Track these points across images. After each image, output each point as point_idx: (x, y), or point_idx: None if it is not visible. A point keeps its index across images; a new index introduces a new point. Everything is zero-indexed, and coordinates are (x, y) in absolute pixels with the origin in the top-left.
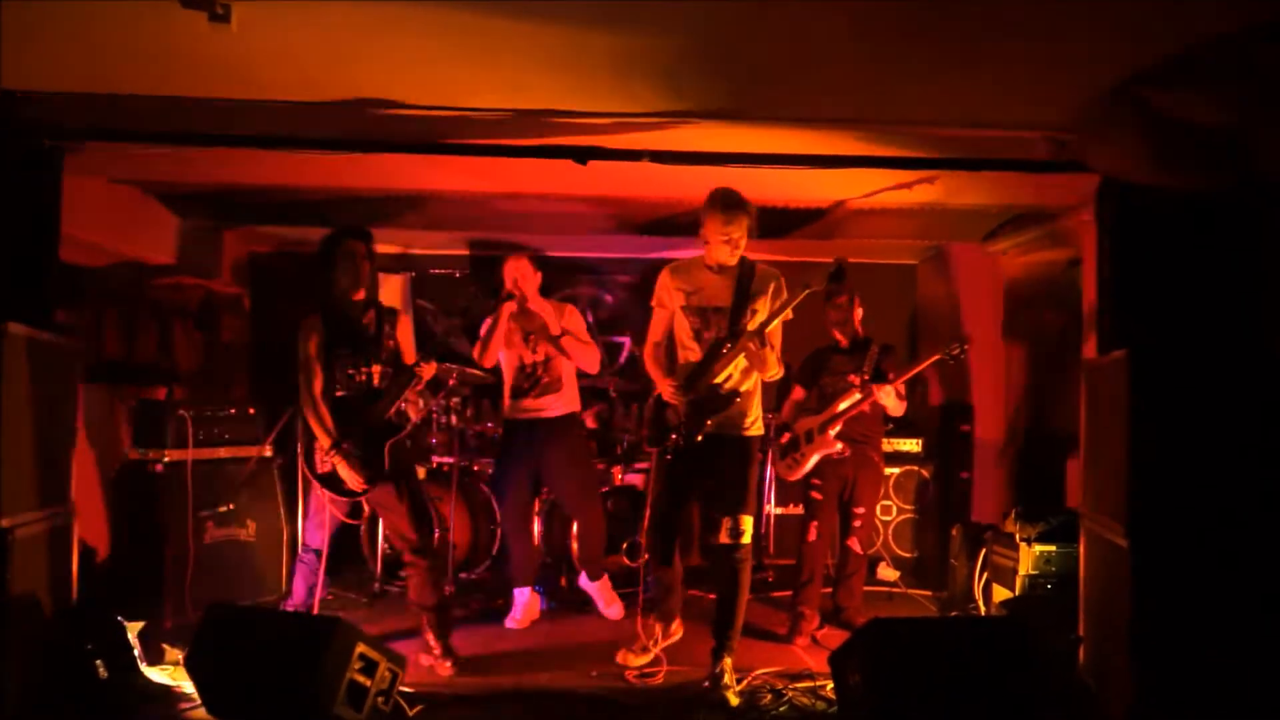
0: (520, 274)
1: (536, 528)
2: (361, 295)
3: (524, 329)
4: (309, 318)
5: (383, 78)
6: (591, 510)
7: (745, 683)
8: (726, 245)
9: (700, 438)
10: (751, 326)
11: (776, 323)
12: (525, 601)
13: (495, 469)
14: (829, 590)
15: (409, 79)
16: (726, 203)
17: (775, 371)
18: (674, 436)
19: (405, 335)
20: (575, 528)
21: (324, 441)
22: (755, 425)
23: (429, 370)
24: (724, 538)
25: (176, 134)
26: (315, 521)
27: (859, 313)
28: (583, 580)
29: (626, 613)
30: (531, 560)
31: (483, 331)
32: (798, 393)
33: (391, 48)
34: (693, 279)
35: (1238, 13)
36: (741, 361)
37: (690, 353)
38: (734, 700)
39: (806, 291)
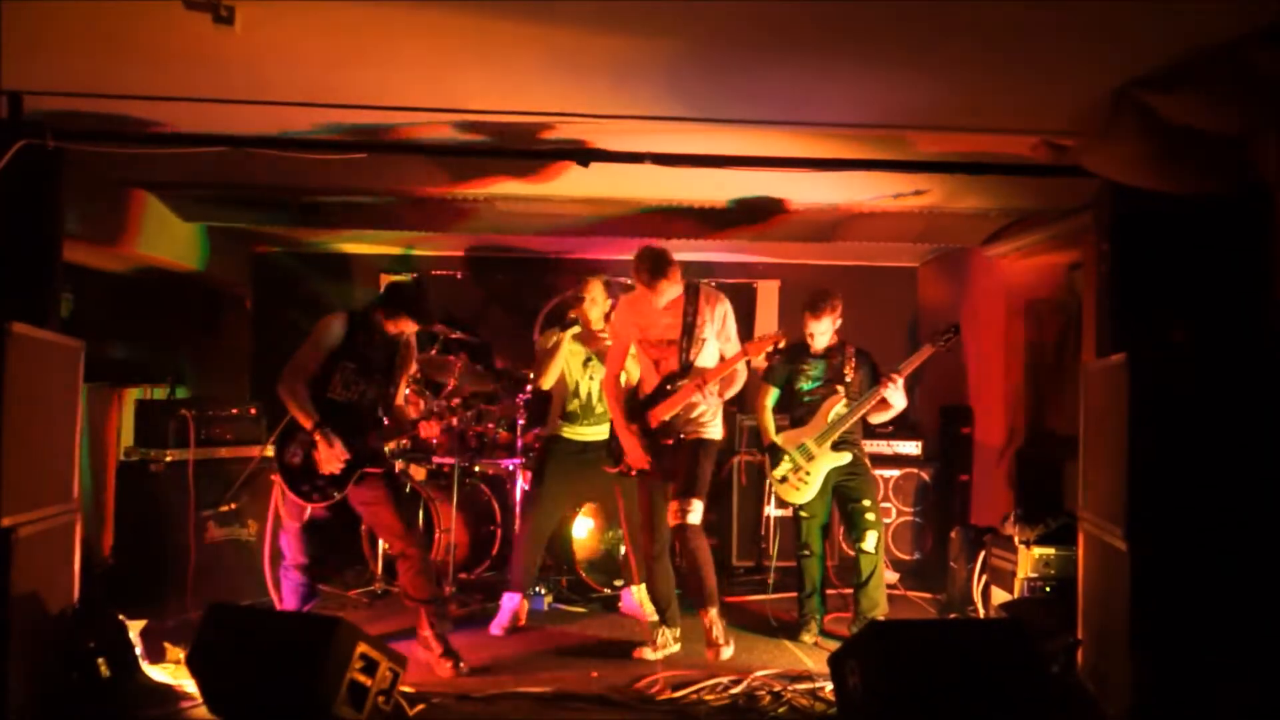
0: (592, 297)
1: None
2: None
3: (587, 352)
4: (336, 317)
5: (386, 80)
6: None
7: (745, 685)
8: (653, 296)
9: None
10: (693, 374)
11: (723, 368)
12: (514, 607)
13: (534, 479)
14: (838, 591)
15: (412, 82)
16: (649, 266)
17: (734, 391)
18: (625, 464)
19: (407, 369)
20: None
21: (306, 422)
22: (712, 429)
23: (429, 430)
24: (673, 518)
25: (179, 136)
26: (287, 532)
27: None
28: (626, 598)
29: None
30: (535, 567)
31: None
32: (768, 393)
33: (395, 50)
34: (643, 313)
35: (1238, 17)
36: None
37: (650, 382)
38: (728, 652)
39: (747, 358)
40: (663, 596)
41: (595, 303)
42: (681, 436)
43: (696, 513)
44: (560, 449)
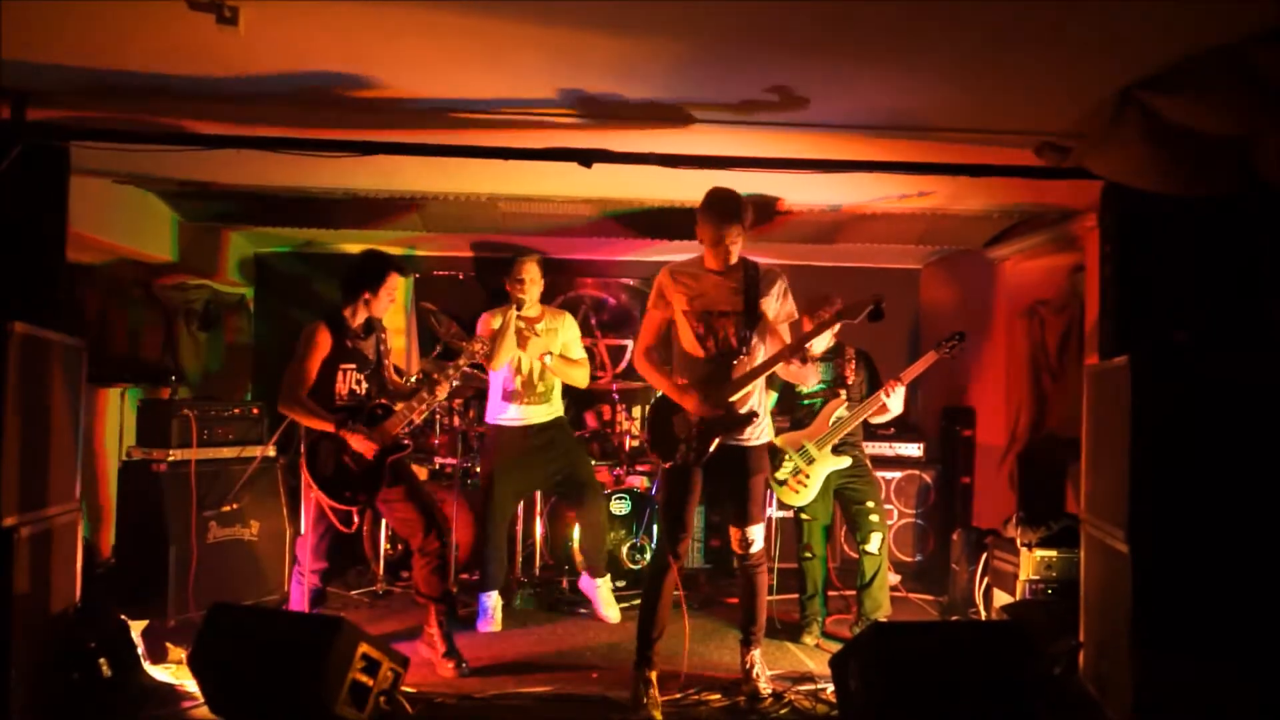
0: (531, 278)
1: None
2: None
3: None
4: (317, 325)
5: (388, 80)
6: (594, 507)
7: (749, 686)
8: (719, 249)
9: (710, 453)
10: (770, 344)
11: (818, 329)
12: (494, 604)
13: (486, 477)
14: (840, 593)
15: (414, 82)
16: (719, 209)
17: (814, 382)
18: (682, 449)
19: (389, 353)
20: (577, 526)
21: (328, 426)
22: (764, 434)
23: (442, 391)
24: (736, 549)
25: (184, 135)
26: (315, 539)
27: None
28: (583, 582)
29: (625, 616)
30: (506, 561)
31: (484, 332)
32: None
33: (396, 50)
34: (695, 282)
35: (1240, 19)
36: (761, 381)
37: (695, 359)
38: (766, 689)
39: (840, 322)
40: (658, 624)
41: (534, 282)
42: (728, 442)
43: (760, 540)
44: (506, 439)
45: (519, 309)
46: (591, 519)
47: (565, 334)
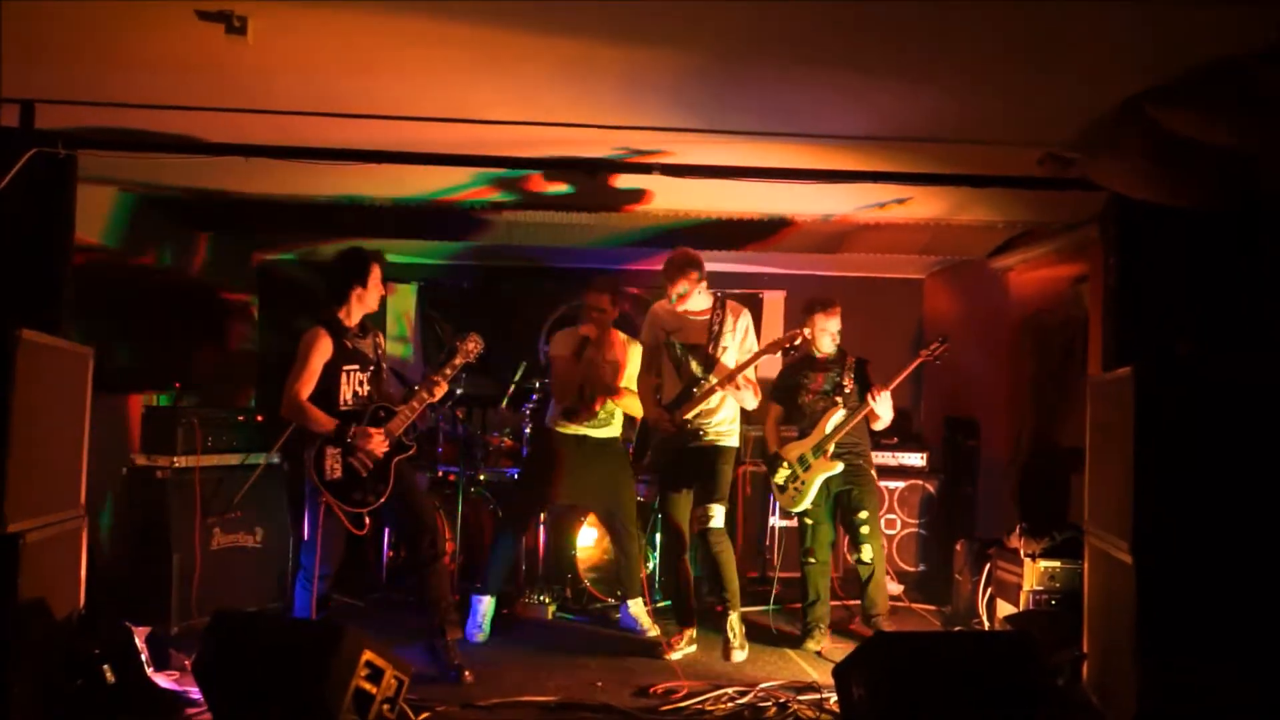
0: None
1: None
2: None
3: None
4: (317, 329)
5: (397, 89)
6: (628, 539)
7: (750, 696)
8: (675, 300)
9: (666, 457)
10: (716, 374)
11: (748, 363)
12: (486, 609)
13: (524, 474)
14: (842, 603)
15: (423, 91)
16: (667, 269)
17: (751, 404)
18: (649, 454)
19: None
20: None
21: (329, 428)
22: (729, 436)
23: (440, 390)
24: (694, 525)
25: (190, 143)
26: (319, 544)
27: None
28: (624, 614)
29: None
30: (509, 568)
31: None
32: (775, 410)
33: (406, 60)
34: (674, 318)
35: (1244, 35)
36: (710, 401)
37: (674, 384)
38: (739, 650)
39: (763, 357)
40: (679, 595)
41: (606, 312)
42: (701, 438)
43: (718, 517)
44: (555, 444)
45: (590, 337)
46: (624, 548)
47: (631, 366)
